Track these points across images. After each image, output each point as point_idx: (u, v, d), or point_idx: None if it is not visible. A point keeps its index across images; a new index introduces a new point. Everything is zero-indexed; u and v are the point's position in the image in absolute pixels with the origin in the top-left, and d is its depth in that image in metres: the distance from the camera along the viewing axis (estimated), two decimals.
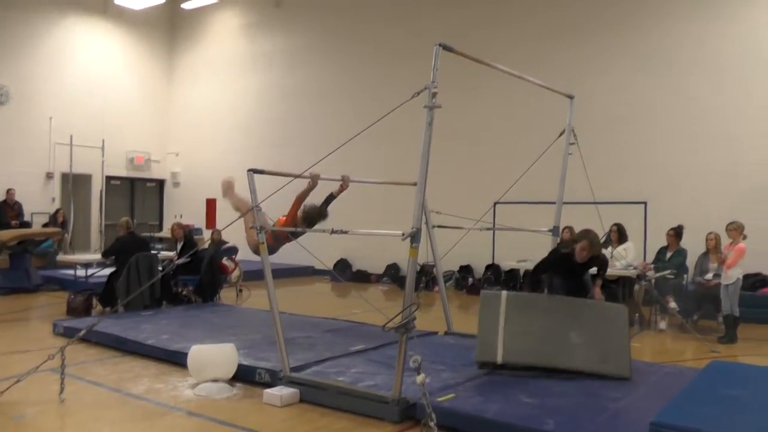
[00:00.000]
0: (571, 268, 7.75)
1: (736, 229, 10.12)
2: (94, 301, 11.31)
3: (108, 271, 11.83)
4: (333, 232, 6.73)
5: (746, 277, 10.77)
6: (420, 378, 5.27)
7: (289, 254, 9.21)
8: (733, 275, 9.94)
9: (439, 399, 5.88)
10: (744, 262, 10.10)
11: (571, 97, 8.93)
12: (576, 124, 8.99)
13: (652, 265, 11.27)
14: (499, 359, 7.06)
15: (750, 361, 8.60)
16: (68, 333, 8.99)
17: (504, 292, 7.39)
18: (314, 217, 8.13)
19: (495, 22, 15.88)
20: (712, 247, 10.85)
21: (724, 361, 8.36)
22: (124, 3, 20.39)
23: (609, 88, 14.21)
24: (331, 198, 8.45)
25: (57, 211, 18.49)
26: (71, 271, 13.36)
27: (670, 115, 13.58)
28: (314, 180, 7.89)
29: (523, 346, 7.08)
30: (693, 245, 11.36)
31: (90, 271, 12.82)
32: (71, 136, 19.44)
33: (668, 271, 10.96)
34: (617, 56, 14.31)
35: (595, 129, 13.19)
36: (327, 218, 8.23)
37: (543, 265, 7.90)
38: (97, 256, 13.21)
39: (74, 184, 19.90)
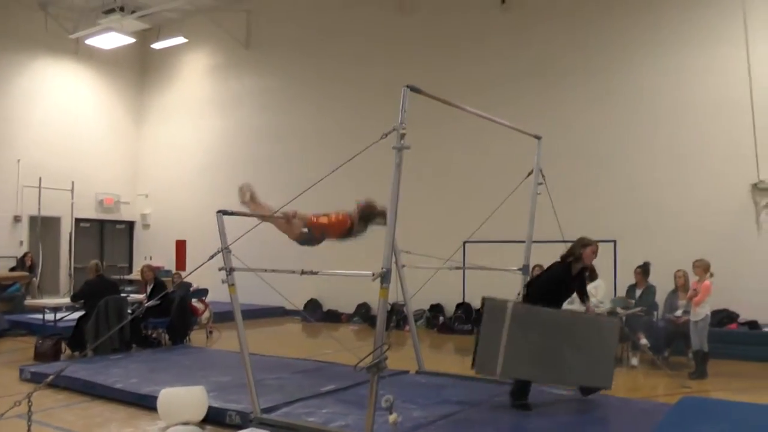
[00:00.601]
0: (569, 283, 7.81)
1: (700, 267, 10.21)
2: (63, 345, 11.17)
3: (77, 314, 11.68)
4: (303, 272, 6.72)
5: (714, 313, 10.90)
6: (392, 417, 5.26)
7: (260, 295, 9.19)
8: (701, 312, 10.02)
9: None
10: (711, 299, 10.20)
11: (538, 138, 9.04)
12: (544, 164, 9.08)
13: (633, 301, 11.33)
14: (498, 372, 6.98)
15: (721, 395, 8.71)
16: (35, 378, 8.87)
17: (510, 302, 7.22)
18: (372, 214, 7.73)
19: (462, 64, 16.08)
20: (681, 285, 10.98)
21: (696, 396, 8.42)
22: (95, 43, 20.29)
23: (576, 130, 14.40)
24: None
25: (25, 255, 18.23)
26: (39, 316, 13.17)
27: (635, 156, 13.79)
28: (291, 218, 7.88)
29: (522, 359, 6.99)
30: (662, 283, 11.46)
31: (59, 315, 12.65)
32: (40, 179, 19.29)
33: (639, 309, 11.03)
34: (583, 99, 14.52)
35: (564, 169, 13.27)
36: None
37: (551, 283, 7.76)
38: (66, 300, 13.05)
39: (43, 226, 19.68)
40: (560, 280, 7.75)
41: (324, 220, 7.73)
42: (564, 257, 7.81)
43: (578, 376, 7.05)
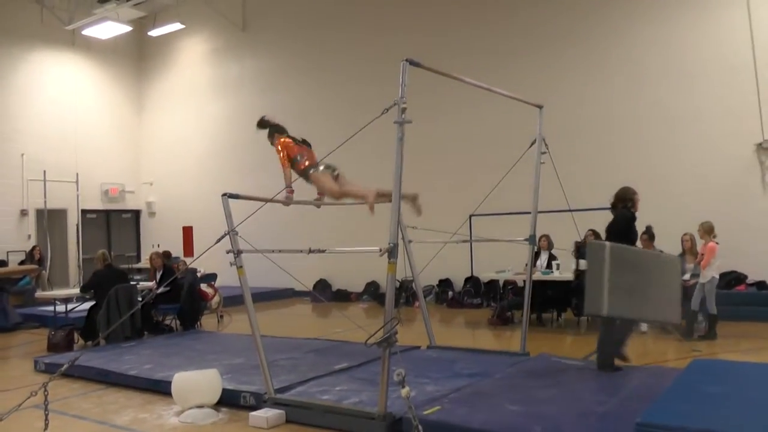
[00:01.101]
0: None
1: (704, 229, 10.27)
2: (76, 335, 11.23)
3: (88, 305, 11.74)
4: (311, 251, 6.74)
5: (722, 275, 10.94)
6: (404, 391, 5.27)
7: (269, 277, 9.22)
8: (708, 274, 10.07)
9: (425, 412, 5.90)
10: (718, 261, 10.22)
11: (540, 107, 8.99)
12: (546, 133, 9.05)
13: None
14: (605, 311, 7.05)
15: (730, 357, 8.73)
16: (50, 369, 8.93)
17: (608, 243, 7.29)
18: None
19: (460, 35, 15.97)
20: (688, 248, 10.97)
21: (706, 359, 8.44)
22: (91, 33, 20.24)
23: (577, 96, 14.34)
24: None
25: (33, 248, 18.28)
26: (51, 308, 13.22)
27: (638, 120, 13.72)
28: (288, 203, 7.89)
29: (622, 297, 7.06)
30: (669, 247, 11.44)
31: (70, 306, 12.70)
32: (44, 172, 19.29)
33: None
34: (583, 64, 14.45)
35: (566, 137, 13.23)
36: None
37: (628, 226, 7.87)
38: (76, 291, 13.09)
39: (49, 219, 19.75)
40: (632, 222, 7.89)
41: (284, 164, 7.79)
42: (620, 205, 7.95)
43: (660, 311, 7.32)
